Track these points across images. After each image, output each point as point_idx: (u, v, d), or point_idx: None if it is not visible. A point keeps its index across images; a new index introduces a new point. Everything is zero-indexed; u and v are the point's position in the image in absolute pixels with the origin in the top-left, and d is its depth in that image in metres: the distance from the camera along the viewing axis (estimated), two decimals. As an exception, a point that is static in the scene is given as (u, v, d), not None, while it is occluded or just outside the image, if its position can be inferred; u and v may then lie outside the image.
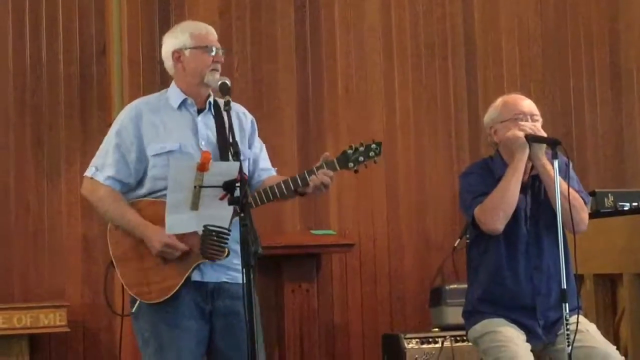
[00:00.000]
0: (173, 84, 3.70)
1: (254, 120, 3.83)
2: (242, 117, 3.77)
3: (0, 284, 5.53)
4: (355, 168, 3.54)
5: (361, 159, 3.53)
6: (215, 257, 3.43)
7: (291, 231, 5.94)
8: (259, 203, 3.54)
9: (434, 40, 6.45)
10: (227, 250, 3.43)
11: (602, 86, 6.75)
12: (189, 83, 3.64)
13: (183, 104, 3.64)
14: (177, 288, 3.49)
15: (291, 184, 3.52)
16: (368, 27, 6.34)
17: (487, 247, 4.04)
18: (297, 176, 3.52)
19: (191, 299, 3.53)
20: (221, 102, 3.57)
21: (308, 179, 3.49)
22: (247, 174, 3.64)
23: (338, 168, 3.52)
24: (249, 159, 3.72)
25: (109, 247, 3.61)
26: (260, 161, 3.78)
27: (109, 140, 3.64)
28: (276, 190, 3.53)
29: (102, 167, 3.61)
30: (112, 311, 3.80)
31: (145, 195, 3.59)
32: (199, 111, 3.65)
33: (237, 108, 3.77)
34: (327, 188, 3.53)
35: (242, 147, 3.66)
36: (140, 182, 3.61)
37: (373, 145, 3.54)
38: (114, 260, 3.59)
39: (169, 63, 3.70)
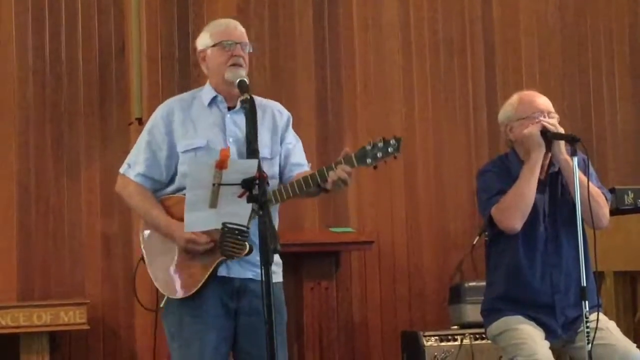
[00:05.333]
0: (208, 82, 3.74)
1: (290, 117, 3.83)
2: (276, 115, 3.77)
3: (21, 281, 5.56)
4: (373, 164, 3.43)
5: (379, 155, 3.40)
6: (235, 255, 3.44)
7: (310, 229, 5.93)
8: (280, 199, 3.51)
9: (452, 37, 6.43)
10: (248, 246, 3.44)
11: (622, 82, 6.70)
12: (216, 82, 3.67)
13: (213, 101, 3.67)
14: (202, 282, 3.51)
15: (310, 180, 3.45)
16: (386, 23, 6.32)
17: (505, 246, 4.02)
18: (316, 172, 3.47)
19: (217, 297, 3.54)
20: (258, 99, 3.59)
21: (326, 175, 3.40)
22: (276, 170, 3.67)
23: (356, 164, 3.41)
24: (280, 155, 3.72)
25: (140, 243, 3.68)
26: (292, 156, 3.74)
27: (142, 138, 3.71)
28: (296, 187, 3.48)
29: (134, 164, 3.69)
30: (143, 307, 3.81)
31: (174, 192, 3.62)
32: (230, 108, 3.65)
33: (272, 105, 3.80)
34: (346, 184, 3.42)
35: (274, 146, 3.68)
36: (172, 179, 3.65)
37: (392, 141, 3.41)
38: (144, 256, 3.65)
39: (200, 63, 3.76)
